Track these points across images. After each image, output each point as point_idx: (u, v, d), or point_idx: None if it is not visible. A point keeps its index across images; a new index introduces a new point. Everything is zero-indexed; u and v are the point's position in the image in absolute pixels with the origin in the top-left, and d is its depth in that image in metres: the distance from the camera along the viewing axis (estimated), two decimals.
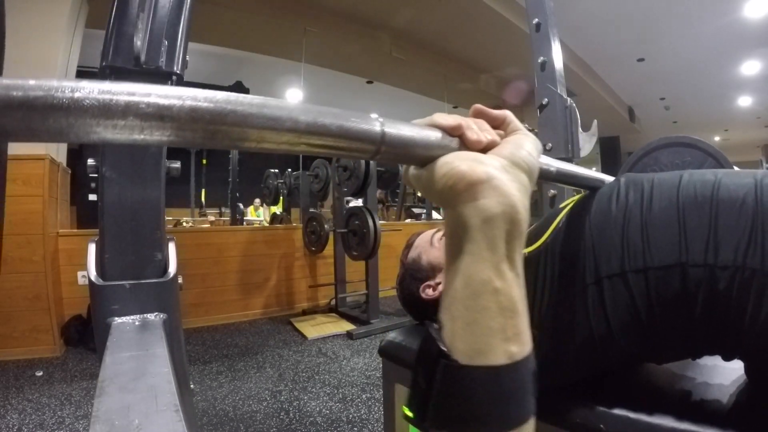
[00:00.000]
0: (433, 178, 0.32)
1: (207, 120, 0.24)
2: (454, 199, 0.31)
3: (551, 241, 0.63)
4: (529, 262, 0.64)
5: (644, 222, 0.55)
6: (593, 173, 0.72)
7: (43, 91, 0.20)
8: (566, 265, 0.59)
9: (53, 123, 0.21)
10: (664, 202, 0.56)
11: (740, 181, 0.53)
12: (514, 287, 0.31)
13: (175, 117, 0.23)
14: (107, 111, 0.21)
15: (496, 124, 0.37)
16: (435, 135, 0.33)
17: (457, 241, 0.32)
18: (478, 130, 0.35)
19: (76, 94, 0.21)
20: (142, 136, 0.23)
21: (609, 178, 0.73)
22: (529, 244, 0.67)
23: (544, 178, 0.50)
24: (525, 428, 0.32)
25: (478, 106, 0.38)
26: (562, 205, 0.70)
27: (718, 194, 0.53)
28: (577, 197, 0.70)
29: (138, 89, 0.22)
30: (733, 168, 1.42)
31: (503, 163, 0.33)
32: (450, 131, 0.34)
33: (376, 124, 0.30)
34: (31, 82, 0.20)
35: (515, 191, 0.31)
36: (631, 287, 0.53)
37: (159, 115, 0.22)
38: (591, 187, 0.66)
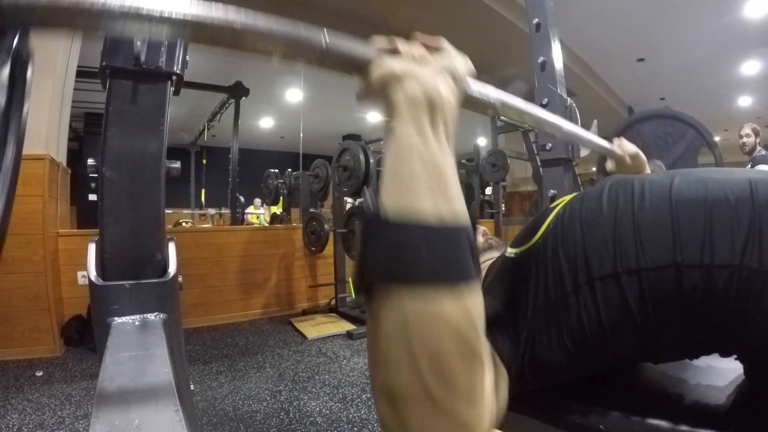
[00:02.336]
0: (369, 78, 0.39)
1: (192, 23, 0.32)
2: (386, 89, 0.38)
3: (542, 242, 0.62)
4: (521, 262, 0.63)
5: (636, 222, 0.54)
6: (547, 114, 0.68)
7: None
8: (558, 266, 0.57)
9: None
10: (655, 201, 0.55)
11: (734, 179, 0.52)
12: (441, 155, 0.36)
13: (166, 21, 0.31)
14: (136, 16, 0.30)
15: (432, 48, 0.44)
16: (373, 51, 0.40)
17: (390, 123, 0.37)
18: (411, 48, 0.41)
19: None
20: (143, 30, 0.31)
21: (565, 123, 0.72)
22: (520, 244, 0.66)
23: (486, 106, 0.53)
24: (460, 290, 0.33)
25: (418, 33, 0.45)
26: (552, 206, 0.70)
27: (712, 193, 0.52)
28: (567, 197, 0.69)
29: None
30: (714, 140, 1.45)
31: (429, 67, 0.40)
32: (387, 48, 0.41)
33: (321, 34, 0.37)
34: None
35: (438, 83, 0.39)
36: (624, 288, 0.52)
37: (161, 19, 0.30)
38: (544, 132, 0.66)
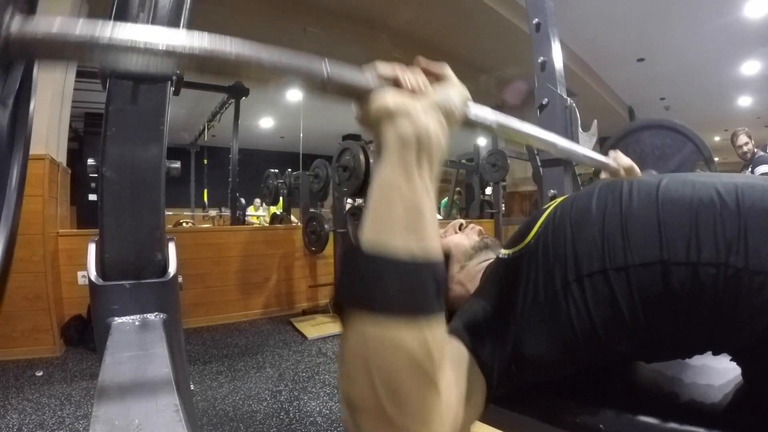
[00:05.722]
0: (367, 109, 0.40)
1: (200, 57, 0.33)
2: (380, 124, 0.40)
3: (534, 243, 0.63)
4: (513, 263, 0.64)
5: (624, 220, 0.55)
6: (543, 132, 0.68)
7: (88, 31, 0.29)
8: (548, 265, 0.58)
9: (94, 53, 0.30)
10: (643, 200, 0.56)
11: (721, 182, 0.54)
12: (422, 195, 0.38)
13: (178, 54, 0.32)
14: (134, 50, 0.31)
15: (435, 76, 0.46)
16: (373, 77, 0.41)
17: (379, 157, 0.39)
18: (411, 77, 0.42)
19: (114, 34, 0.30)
20: (150, 65, 0.32)
21: (561, 141, 0.73)
22: (513, 245, 0.67)
23: (484, 128, 0.54)
24: (418, 323, 0.35)
25: (420, 58, 0.46)
26: (544, 207, 0.70)
27: (698, 195, 0.53)
28: (559, 200, 0.70)
29: (149, 32, 0.31)
30: (711, 156, 1.45)
31: (424, 103, 0.41)
32: (386, 77, 0.41)
33: (322, 64, 0.38)
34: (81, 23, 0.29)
35: (429, 123, 0.40)
36: (612, 285, 0.53)
37: (167, 52, 0.32)
38: (543, 151, 0.66)
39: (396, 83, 0.41)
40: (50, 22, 0.28)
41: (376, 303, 0.35)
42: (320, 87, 0.38)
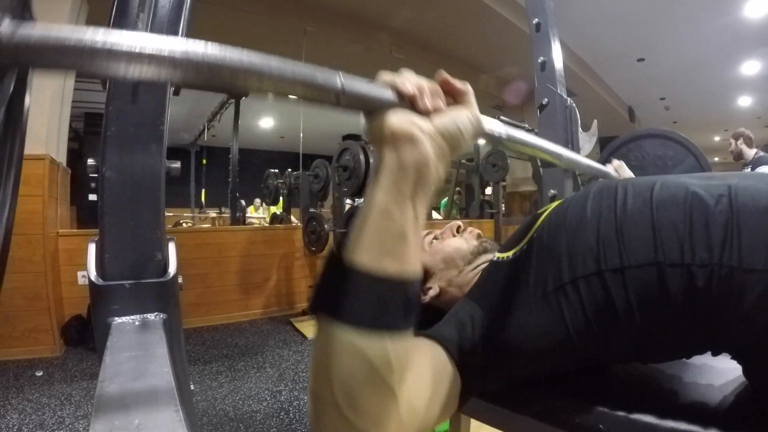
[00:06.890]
0: (375, 125, 0.40)
1: (206, 67, 0.30)
2: (383, 144, 0.40)
3: (528, 247, 0.63)
4: (508, 265, 0.64)
5: (619, 222, 0.56)
6: (548, 143, 0.72)
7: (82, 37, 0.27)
8: (542, 267, 0.58)
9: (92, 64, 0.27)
10: (638, 203, 0.56)
11: (714, 184, 0.54)
12: (409, 222, 0.39)
13: (184, 64, 0.30)
14: (135, 57, 0.28)
15: (454, 94, 0.44)
16: (388, 95, 0.39)
17: (377, 175, 0.40)
18: (429, 98, 0.41)
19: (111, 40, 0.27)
20: (160, 75, 0.29)
21: (565, 152, 0.75)
22: (508, 249, 0.67)
23: (494, 141, 0.55)
24: (381, 336, 0.38)
25: (444, 76, 0.44)
26: (539, 212, 0.71)
27: (692, 196, 0.53)
28: (554, 204, 0.70)
29: (152, 40, 0.28)
30: (710, 169, 1.47)
31: (431, 130, 0.40)
32: (403, 96, 0.40)
33: (337, 79, 0.36)
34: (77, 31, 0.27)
35: (430, 152, 0.40)
36: (608, 286, 0.53)
37: (170, 61, 0.29)
38: (546, 161, 0.68)
39: (412, 102, 0.40)
40: (46, 28, 0.26)
41: (346, 312, 0.37)
42: (334, 101, 0.37)
